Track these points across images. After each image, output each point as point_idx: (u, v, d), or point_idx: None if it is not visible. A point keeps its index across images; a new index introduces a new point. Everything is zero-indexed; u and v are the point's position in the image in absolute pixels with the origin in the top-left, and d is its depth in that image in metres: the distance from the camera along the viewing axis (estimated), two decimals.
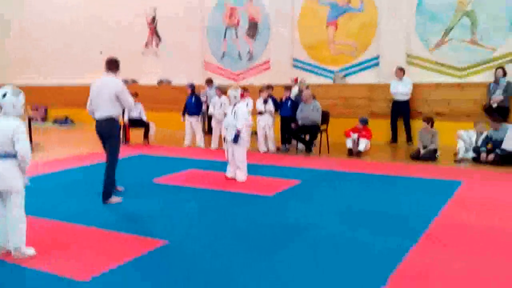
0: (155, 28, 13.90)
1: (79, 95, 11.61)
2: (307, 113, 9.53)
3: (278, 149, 9.97)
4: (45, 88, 15.56)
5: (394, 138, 10.77)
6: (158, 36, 13.89)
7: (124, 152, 9.50)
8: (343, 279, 3.72)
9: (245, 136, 7.21)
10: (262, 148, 9.82)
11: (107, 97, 5.81)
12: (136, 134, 10.91)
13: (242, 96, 7.54)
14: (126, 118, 10.72)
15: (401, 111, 10.59)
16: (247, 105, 9.81)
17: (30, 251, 4.24)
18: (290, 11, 12.02)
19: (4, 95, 4.15)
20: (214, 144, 10.14)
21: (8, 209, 4.15)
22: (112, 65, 6.01)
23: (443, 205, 5.72)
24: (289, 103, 9.97)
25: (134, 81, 14.08)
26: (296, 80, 11.18)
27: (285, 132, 10.00)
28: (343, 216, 5.35)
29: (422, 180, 7.10)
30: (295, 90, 10.46)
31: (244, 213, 5.56)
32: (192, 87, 10.49)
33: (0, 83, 13.78)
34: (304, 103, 9.65)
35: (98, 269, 3.93)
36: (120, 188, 6.44)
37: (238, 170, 7.18)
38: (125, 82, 13.48)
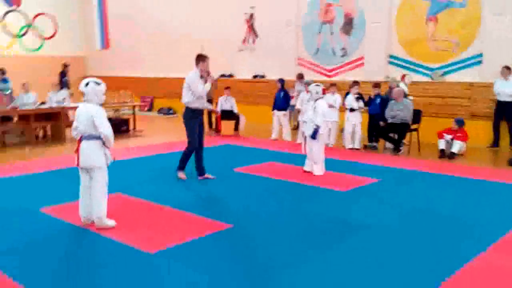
0: (253, 25, 14.28)
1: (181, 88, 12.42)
2: (397, 111, 9.24)
3: (365, 147, 9.79)
4: (152, 80, 16.72)
5: (496, 142, 10.00)
6: (255, 32, 14.26)
7: (213, 142, 10.08)
8: (391, 279, 3.65)
9: (323, 132, 7.21)
10: (348, 144, 9.72)
11: (184, 87, 6.59)
12: (228, 126, 11.35)
13: (324, 92, 7.54)
14: (218, 109, 11.21)
15: (505, 113, 9.80)
16: (335, 101, 9.80)
17: (111, 222, 4.70)
18: (387, 7, 11.68)
19: (87, 84, 4.63)
20: (300, 139, 10.22)
21: (92, 184, 4.63)
22: (195, 60, 6.61)
23: None
24: (378, 100, 9.74)
25: (231, 75, 14.60)
26: (403, 77, 10.83)
27: (373, 130, 9.79)
28: (413, 218, 5.18)
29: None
30: (402, 85, 10.13)
31: (312, 205, 5.62)
32: (282, 82, 10.67)
33: (114, 75, 15.13)
34: (395, 101, 9.36)
35: (164, 244, 4.26)
36: (211, 176, 6.90)
37: (315, 165, 7.22)
38: (222, 75, 14.15)
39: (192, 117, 6.69)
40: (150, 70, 16.94)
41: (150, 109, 16.54)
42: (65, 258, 4.01)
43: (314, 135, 7.12)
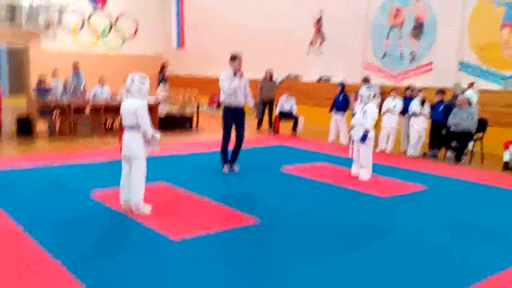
0: (320, 27, 14.25)
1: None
2: (460, 119, 8.84)
3: (425, 154, 9.45)
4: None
5: None
6: (322, 35, 14.22)
7: (270, 141, 10.25)
8: (400, 284, 3.57)
9: (372, 136, 7.09)
10: (409, 151, 9.42)
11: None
12: (286, 126, 11.44)
13: (374, 95, 7.40)
14: (277, 110, 11.35)
15: None
16: (395, 106, 9.55)
17: (146, 208, 4.98)
18: (460, 11, 11.18)
19: (133, 80, 4.93)
20: (348, 142, 10.07)
21: (131, 172, 4.95)
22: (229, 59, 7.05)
23: None
24: (441, 107, 9.35)
25: (297, 76, 14.67)
26: (471, 84, 10.34)
27: (434, 137, 9.42)
28: (448, 228, 4.99)
29: None
30: (470, 93, 9.72)
31: (347, 209, 5.58)
32: (342, 85, 10.57)
33: (187, 73, 15.80)
34: (459, 108, 8.96)
35: (191, 233, 4.45)
36: (236, 167, 7.26)
37: (362, 169, 7.12)
38: (288, 76, 14.28)
39: (226, 113, 7.04)
40: (220, 70, 17.41)
41: (218, 107, 17.00)
42: (98, 238, 4.32)
43: (363, 139, 7.03)
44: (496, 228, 5.06)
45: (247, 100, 7.14)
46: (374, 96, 7.51)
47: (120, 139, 5.00)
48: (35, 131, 9.59)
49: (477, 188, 6.91)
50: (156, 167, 7.15)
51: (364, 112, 7.06)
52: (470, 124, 8.79)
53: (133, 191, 4.93)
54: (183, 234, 4.42)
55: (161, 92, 13.19)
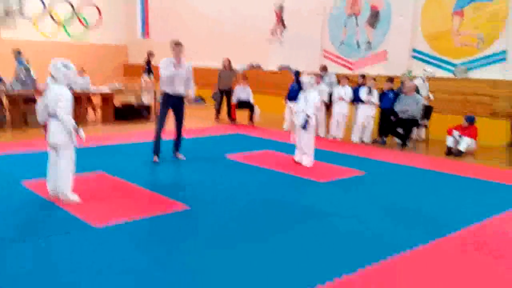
0: (281, 16, 14.31)
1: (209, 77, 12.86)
2: (406, 106, 9.04)
3: (374, 141, 9.65)
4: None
5: None
6: (283, 24, 14.28)
7: (225, 130, 10.32)
8: (319, 260, 3.70)
9: (313, 123, 7.21)
10: (354, 138, 9.62)
11: None
12: (243, 115, 11.52)
13: (317, 83, 7.52)
14: (234, 99, 11.41)
15: None
16: (345, 94, 9.71)
17: (74, 197, 4.98)
18: (413, 1, 11.36)
19: (56, 66, 4.88)
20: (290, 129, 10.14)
21: (58, 161, 4.94)
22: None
23: (498, 213, 5.11)
24: (390, 95, 9.54)
25: (258, 66, 14.72)
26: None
27: (383, 124, 9.62)
28: (377, 211, 5.14)
29: (503, 186, 6.34)
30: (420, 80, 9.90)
31: (285, 194, 5.67)
32: (296, 74, 10.67)
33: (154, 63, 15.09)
34: (405, 95, 9.16)
35: (116, 220, 4.49)
36: (180, 156, 7.30)
37: (304, 155, 7.24)
38: (251, 66, 14.32)
39: (163, 102, 7.00)
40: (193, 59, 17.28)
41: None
42: (20, 226, 4.33)
43: (304, 125, 7.14)
44: (423, 210, 5.21)
45: (188, 88, 7.08)
46: (318, 84, 7.61)
47: (45, 128, 4.95)
48: None
49: (417, 173, 7.09)
50: (98, 157, 7.21)
51: (306, 99, 7.17)
52: (415, 110, 9.00)
53: (60, 180, 4.92)
54: (107, 221, 4.45)
55: (145, 82, 13.14)
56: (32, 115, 9.89)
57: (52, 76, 4.88)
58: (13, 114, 9.87)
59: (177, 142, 7.29)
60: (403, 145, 9.10)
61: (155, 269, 3.53)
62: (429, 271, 3.67)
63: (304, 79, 7.30)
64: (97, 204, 4.98)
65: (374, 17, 12.23)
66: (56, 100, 4.81)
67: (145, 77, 14.07)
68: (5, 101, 9.87)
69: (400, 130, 9.16)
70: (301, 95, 7.28)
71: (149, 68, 14.47)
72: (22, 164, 6.66)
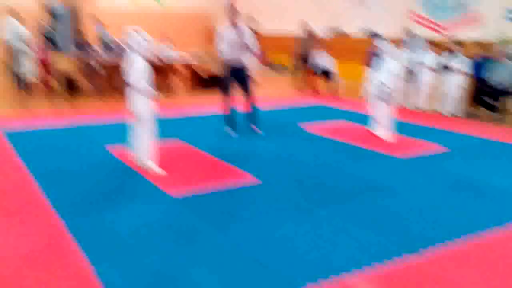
0: None
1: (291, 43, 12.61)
2: (497, 73, 8.37)
3: (465, 113, 9.06)
4: (265, 36, 16.99)
5: None
6: None
7: (303, 99, 10.27)
8: (374, 237, 3.64)
9: (391, 93, 6.92)
10: (442, 110, 9.10)
11: None
12: (323, 85, 11.33)
13: (398, 48, 7.12)
14: (314, 67, 11.20)
15: None
16: (429, 61, 9.16)
17: (154, 166, 5.25)
18: None
19: (132, 36, 5.03)
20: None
21: (138, 129, 5.20)
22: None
23: None
24: (483, 62, 8.85)
25: (341, 31, 14.27)
26: None
27: (476, 94, 8.99)
28: (451, 188, 4.90)
29: None
30: None
31: (353, 168, 5.57)
32: (374, 37, 10.20)
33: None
34: (498, 62, 8.47)
35: (192, 190, 4.70)
36: (256, 129, 7.11)
37: (381, 127, 7.01)
38: (333, 31, 13.93)
39: (224, 71, 6.76)
40: (273, 24, 17.06)
41: (269, 66, 16.77)
42: (98, 187, 4.70)
43: (383, 96, 6.88)
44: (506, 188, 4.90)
45: (252, 52, 6.63)
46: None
47: (126, 97, 5.20)
48: (79, 89, 10.16)
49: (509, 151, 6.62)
50: (177, 126, 7.49)
51: (384, 67, 6.88)
52: (505, 78, 8.30)
53: (140, 148, 5.21)
54: (183, 191, 4.65)
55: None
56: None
57: (128, 45, 5.07)
58: (104, 82, 10.49)
59: (251, 114, 7.07)
60: (496, 117, 8.46)
61: (220, 238, 3.67)
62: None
63: (381, 45, 6.98)
64: (173, 173, 5.22)
65: None
66: (132, 69, 5.02)
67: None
68: (98, 68, 10.46)
69: (489, 101, 8.52)
70: (378, 63, 6.99)
71: None
72: (110, 131, 7.11)
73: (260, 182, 5.04)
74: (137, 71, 5.00)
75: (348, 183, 5.02)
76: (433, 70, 9.23)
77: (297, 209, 4.31)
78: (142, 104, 5.11)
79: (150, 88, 5.09)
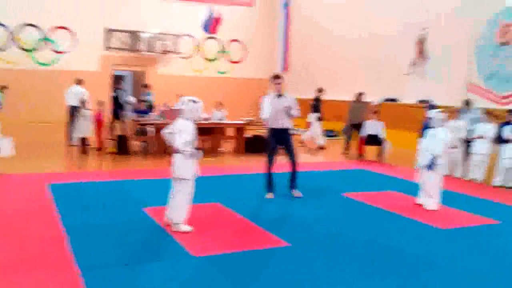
0: (423, 47, 13.57)
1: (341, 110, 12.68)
2: None
3: None
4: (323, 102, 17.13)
5: None
6: (425, 55, 13.52)
7: (350, 165, 10.03)
8: None
9: (442, 163, 6.59)
10: (497, 182, 8.53)
11: None
12: (371, 151, 11.09)
13: (452, 119, 6.87)
14: (364, 133, 11.03)
15: None
16: (487, 131, 8.75)
17: (186, 228, 5.20)
18: None
19: (184, 102, 5.22)
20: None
21: (175, 192, 5.22)
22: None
23: None
24: None
25: (394, 100, 14.10)
26: None
27: None
28: (500, 268, 4.45)
29: None
30: None
31: (395, 238, 5.25)
32: (431, 107, 9.94)
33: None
34: None
35: (215, 250, 4.59)
36: (296, 192, 7.04)
37: (428, 198, 6.64)
38: (387, 100, 13.80)
39: (269, 137, 6.93)
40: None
41: None
42: (124, 244, 4.68)
43: (430, 166, 6.56)
44: None
45: (293, 115, 6.86)
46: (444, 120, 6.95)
47: (172, 159, 5.26)
48: (130, 150, 10.53)
49: None
50: (219, 186, 7.50)
51: (434, 137, 6.61)
52: None
53: (175, 211, 5.18)
54: (207, 252, 4.56)
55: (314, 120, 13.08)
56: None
57: (180, 111, 5.21)
58: (155, 143, 10.85)
59: (292, 177, 7.06)
60: None
61: None
62: None
63: (432, 114, 6.77)
64: (203, 234, 5.13)
65: None
66: (179, 132, 5.10)
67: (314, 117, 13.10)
68: (150, 130, 10.87)
69: None
70: (429, 132, 6.74)
71: (315, 105, 13.15)
72: (152, 190, 7.19)
73: (289, 244, 4.84)
74: (184, 135, 5.06)
75: (385, 254, 4.71)
76: (489, 140, 8.77)
77: (327, 277, 4.06)
78: (185, 169, 5.14)
79: (194, 150, 5.15)
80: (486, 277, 4.22)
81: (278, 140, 6.93)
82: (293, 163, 7.02)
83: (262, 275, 4.11)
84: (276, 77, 6.85)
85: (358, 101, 11.94)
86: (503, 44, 11.55)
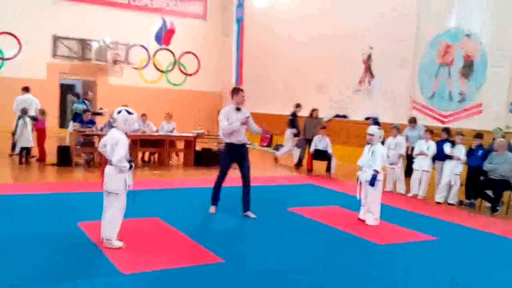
0: (370, 65, 13.93)
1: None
2: (497, 165, 8.12)
3: (461, 203, 8.71)
4: (277, 117, 17.11)
5: None
6: (371, 73, 13.88)
7: (298, 180, 10.05)
8: None
9: (381, 179, 6.69)
10: (438, 198, 8.76)
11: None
12: (319, 166, 11.18)
13: (394, 135, 7.00)
14: (312, 149, 11.13)
15: None
16: (428, 148, 8.99)
17: (118, 243, 4.99)
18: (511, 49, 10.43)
19: (119, 112, 5.05)
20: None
21: (107, 207, 5.02)
22: (230, 93, 6.85)
23: None
24: (480, 152, 8.64)
25: (344, 116, 14.35)
26: None
27: (471, 184, 8.69)
28: (432, 280, 4.51)
29: None
30: None
31: (331, 253, 5.26)
32: (375, 122, 10.17)
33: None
34: (496, 154, 8.24)
35: (145, 267, 4.42)
36: (252, 215, 6.69)
37: (369, 213, 6.71)
38: (336, 116, 14.03)
39: (225, 152, 6.69)
40: (274, 106, 17.43)
41: (268, 145, 16.91)
42: (53, 267, 4.42)
43: (372, 182, 6.64)
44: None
45: (253, 131, 6.77)
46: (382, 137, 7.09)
47: (103, 172, 5.06)
48: (72, 162, 10.14)
49: (498, 242, 6.22)
50: (161, 200, 7.31)
51: (373, 153, 6.71)
52: (506, 170, 8.03)
53: (107, 226, 4.97)
54: (135, 268, 4.39)
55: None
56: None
57: (114, 121, 5.02)
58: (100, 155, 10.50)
59: (246, 198, 6.71)
60: (493, 209, 8.09)
61: None
62: None
63: (373, 131, 6.87)
64: (135, 251, 4.94)
65: (468, 68, 11.38)
66: (112, 144, 4.91)
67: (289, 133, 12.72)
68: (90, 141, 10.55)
69: (489, 192, 8.19)
70: (368, 148, 6.84)
71: (291, 120, 12.63)
72: (88, 203, 6.90)
73: (223, 261, 4.74)
74: (117, 147, 4.86)
75: (323, 269, 4.69)
76: (430, 157, 9.02)
77: None
78: (115, 182, 4.95)
79: (126, 163, 4.94)
80: None
81: (235, 155, 6.64)
82: (247, 180, 6.71)
83: None
84: (240, 89, 6.66)
85: (312, 117, 12.07)
86: (443, 64, 12.00)
